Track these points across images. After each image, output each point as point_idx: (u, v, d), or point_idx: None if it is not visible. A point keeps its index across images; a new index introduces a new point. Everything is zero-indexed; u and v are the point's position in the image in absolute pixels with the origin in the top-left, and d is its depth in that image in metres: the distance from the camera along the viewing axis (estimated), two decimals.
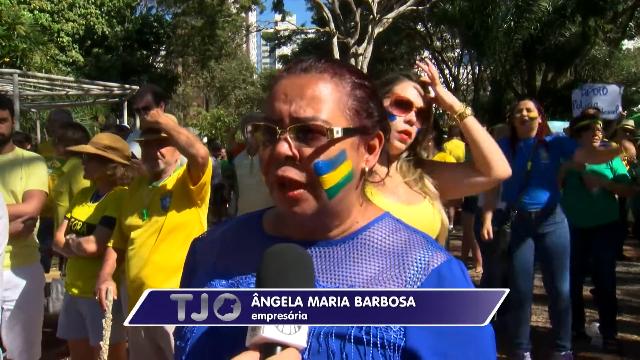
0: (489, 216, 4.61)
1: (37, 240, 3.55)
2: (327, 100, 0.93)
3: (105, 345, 2.91)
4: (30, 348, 3.39)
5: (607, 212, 4.80)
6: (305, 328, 0.79)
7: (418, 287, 0.92)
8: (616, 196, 5.07)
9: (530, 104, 4.30)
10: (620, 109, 7.95)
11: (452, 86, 27.05)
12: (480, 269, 6.82)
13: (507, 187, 4.37)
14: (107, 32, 20.89)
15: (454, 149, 6.41)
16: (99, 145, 3.25)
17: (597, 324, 5.08)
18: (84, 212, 3.31)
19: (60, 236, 3.31)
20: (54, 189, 4.51)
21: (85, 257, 3.22)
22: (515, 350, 4.39)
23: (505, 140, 4.42)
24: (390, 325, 0.88)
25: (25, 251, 3.33)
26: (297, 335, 0.78)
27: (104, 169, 3.25)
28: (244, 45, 40.32)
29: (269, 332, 0.76)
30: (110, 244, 3.09)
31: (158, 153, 2.97)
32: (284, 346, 0.77)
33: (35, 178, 3.36)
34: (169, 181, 3.00)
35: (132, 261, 2.93)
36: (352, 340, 0.87)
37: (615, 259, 5.37)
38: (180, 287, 1.15)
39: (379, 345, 0.87)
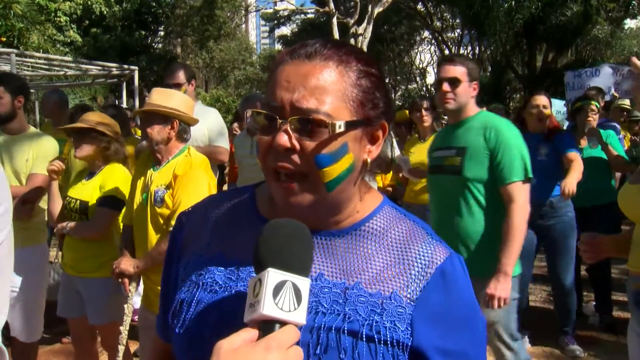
0: None
1: (44, 222, 3.56)
2: (330, 91, 0.90)
3: (125, 330, 2.94)
4: (29, 327, 3.43)
5: (603, 193, 4.77)
6: (304, 306, 0.79)
7: (423, 286, 0.93)
8: (613, 179, 5.07)
9: (545, 100, 4.27)
10: (613, 90, 7.92)
11: None
12: None
13: None
14: (105, 12, 20.67)
15: None
16: (90, 122, 3.22)
17: (594, 303, 5.14)
18: (79, 190, 3.30)
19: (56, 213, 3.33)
20: None
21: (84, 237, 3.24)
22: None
23: None
24: (398, 325, 0.90)
25: (25, 233, 3.33)
26: (297, 313, 0.78)
27: (97, 144, 3.22)
28: (243, 26, 39.98)
29: (268, 309, 0.76)
30: (123, 221, 3.09)
31: (144, 131, 2.92)
32: (283, 323, 0.77)
33: (42, 161, 3.34)
34: (167, 170, 2.90)
35: (135, 241, 2.96)
36: (364, 339, 0.88)
37: None
38: (166, 263, 1.14)
39: (389, 343, 0.89)
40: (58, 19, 18.73)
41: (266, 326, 0.77)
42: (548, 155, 4.27)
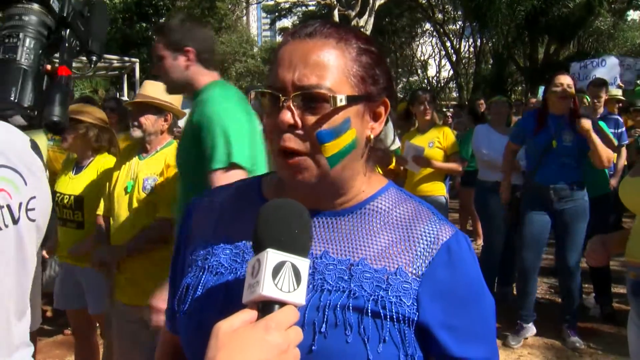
0: (505, 183, 4.73)
1: None
2: (331, 67, 0.91)
3: (107, 321, 2.94)
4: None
5: (596, 185, 4.74)
6: (304, 286, 0.79)
7: (429, 262, 0.94)
8: (606, 171, 5.03)
9: (570, 80, 4.19)
10: (619, 80, 7.88)
11: (454, 59, 26.81)
12: (480, 242, 6.86)
13: (528, 161, 4.43)
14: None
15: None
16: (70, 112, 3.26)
17: (594, 295, 5.15)
18: (67, 184, 3.29)
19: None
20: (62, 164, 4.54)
21: (79, 228, 3.25)
22: (518, 321, 4.45)
23: (532, 113, 4.44)
24: (404, 300, 0.90)
25: None
26: (296, 294, 0.78)
27: (75, 132, 3.22)
28: (244, 18, 39.86)
29: (268, 289, 0.76)
30: (100, 212, 3.08)
31: (136, 121, 2.90)
32: (282, 304, 0.77)
33: None
34: (157, 159, 2.90)
35: (112, 233, 2.93)
36: (370, 314, 0.88)
37: (607, 230, 5.40)
38: (175, 251, 1.15)
39: (394, 319, 0.89)
40: None
41: (265, 307, 0.77)
42: (573, 141, 4.15)
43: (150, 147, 2.94)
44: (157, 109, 2.91)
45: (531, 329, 4.47)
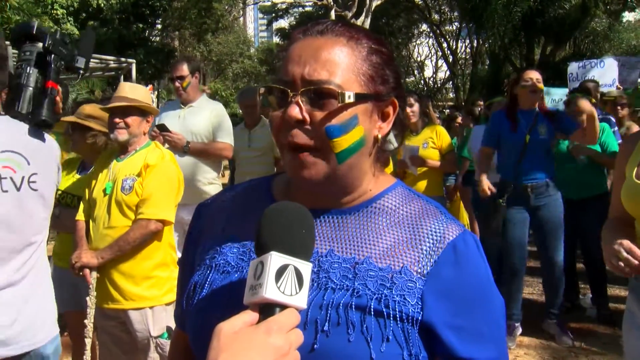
0: (483, 177, 4.42)
1: None
2: (341, 64, 0.92)
3: (89, 323, 2.90)
4: None
5: (595, 184, 4.77)
6: (305, 290, 0.80)
7: (434, 261, 0.93)
8: (605, 169, 5.03)
9: (538, 74, 4.26)
10: (617, 82, 7.89)
11: (451, 60, 26.85)
12: None
13: (503, 161, 4.39)
14: (102, 5, 20.58)
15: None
16: (80, 115, 3.22)
17: (590, 296, 5.16)
18: (72, 184, 3.27)
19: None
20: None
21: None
22: (507, 321, 4.46)
23: (501, 112, 4.42)
24: (408, 299, 0.90)
25: None
26: (298, 297, 0.78)
27: (83, 138, 3.21)
28: (241, 19, 39.86)
29: (271, 292, 0.76)
30: (79, 217, 3.05)
31: (122, 122, 2.89)
32: (283, 307, 0.78)
33: None
34: (135, 160, 2.91)
35: (92, 235, 2.92)
36: (372, 313, 0.88)
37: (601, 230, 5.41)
38: (183, 253, 1.15)
39: (398, 318, 0.89)
40: (55, 11, 18.65)
41: (266, 309, 0.78)
42: (548, 134, 4.25)
43: (131, 148, 2.96)
44: (141, 110, 2.94)
45: (519, 328, 4.49)
